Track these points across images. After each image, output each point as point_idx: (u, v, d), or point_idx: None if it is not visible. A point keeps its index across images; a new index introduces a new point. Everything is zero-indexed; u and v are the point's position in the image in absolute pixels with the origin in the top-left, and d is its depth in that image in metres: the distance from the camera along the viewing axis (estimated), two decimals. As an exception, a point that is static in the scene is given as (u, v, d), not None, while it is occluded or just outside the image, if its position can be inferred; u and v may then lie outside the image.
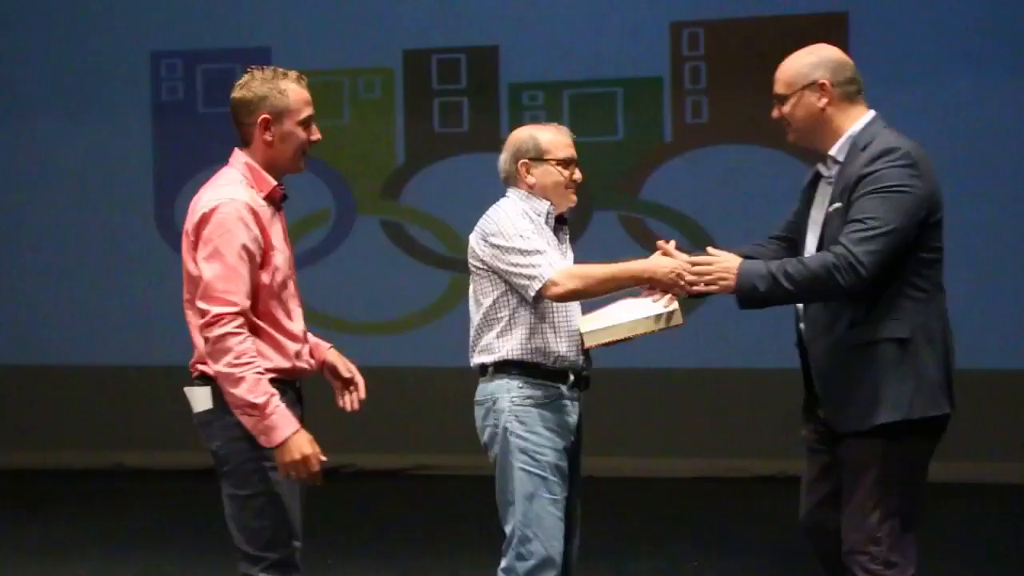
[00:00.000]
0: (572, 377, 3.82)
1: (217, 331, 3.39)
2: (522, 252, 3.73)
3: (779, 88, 3.60)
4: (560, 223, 3.95)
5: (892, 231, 3.38)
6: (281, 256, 3.53)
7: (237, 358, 3.38)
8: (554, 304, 3.79)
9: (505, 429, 3.78)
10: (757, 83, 7.48)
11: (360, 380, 3.76)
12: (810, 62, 3.58)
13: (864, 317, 3.44)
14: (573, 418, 3.84)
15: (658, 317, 3.69)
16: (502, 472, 3.80)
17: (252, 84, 3.55)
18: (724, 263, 3.53)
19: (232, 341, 3.39)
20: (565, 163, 3.87)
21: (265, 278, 3.48)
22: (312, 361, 3.66)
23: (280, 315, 3.52)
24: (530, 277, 3.71)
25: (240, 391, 3.37)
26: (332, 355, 3.78)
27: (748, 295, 3.46)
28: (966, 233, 7.31)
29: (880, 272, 3.38)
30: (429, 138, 7.97)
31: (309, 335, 3.71)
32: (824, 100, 3.54)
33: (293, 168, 3.61)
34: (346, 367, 3.77)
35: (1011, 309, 7.26)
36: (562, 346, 3.80)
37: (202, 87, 8.16)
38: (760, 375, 7.17)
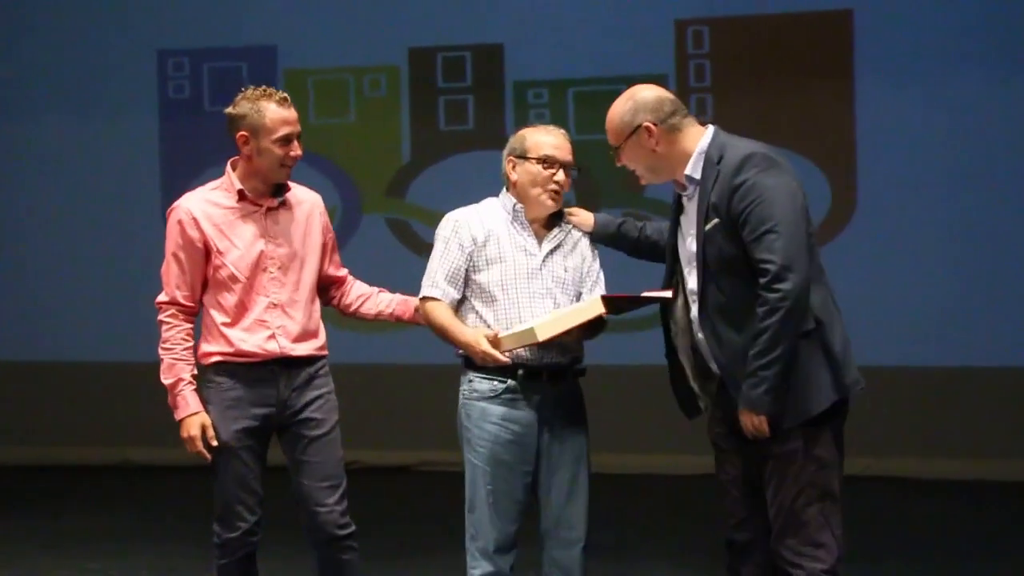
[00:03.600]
0: (521, 371, 3.84)
1: (158, 317, 4.02)
2: (435, 256, 3.94)
3: (610, 140, 3.68)
4: (553, 223, 3.95)
5: (792, 222, 3.45)
6: (236, 252, 3.92)
7: (162, 343, 4.00)
8: (499, 299, 3.87)
9: (459, 421, 3.95)
10: (762, 81, 7.60)
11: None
12: (629, 108, 3.65)
13: None
14: (526, 412, 3.85)
15: (520, 333, 3.73)
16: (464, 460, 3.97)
17: (239, 102, 3.93)
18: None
19: (162, 328, 4.01)
20: (546, 162, 3.88)
21: (210, 272, 3.95)
22: (283, 346, 3.97)
23: (225, 304, 3.95)
24: (424, 283, 3.95)
25: (161, 371, 3.99)
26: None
27: (777, 410, 3.46)
28: (971, 230, 7.34)
29: (810, 262, 3.46)
30: (435, 136, 7.99)
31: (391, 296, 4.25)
32: (653, 141, 3.61)
33: (274, 179, 3.97)
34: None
35: (1015, 306, 7.26)
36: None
37: (208, 85, 8.19)
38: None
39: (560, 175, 3.88)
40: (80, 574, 5.68)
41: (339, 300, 4.23)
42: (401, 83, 7.98)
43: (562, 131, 3.98)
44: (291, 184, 4.07)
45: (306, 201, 4.10)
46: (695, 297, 3.60)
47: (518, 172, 3.92)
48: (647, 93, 3.67)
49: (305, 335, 4.01)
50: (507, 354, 3.79)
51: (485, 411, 3.87)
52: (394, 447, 7.76)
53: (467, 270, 3.90)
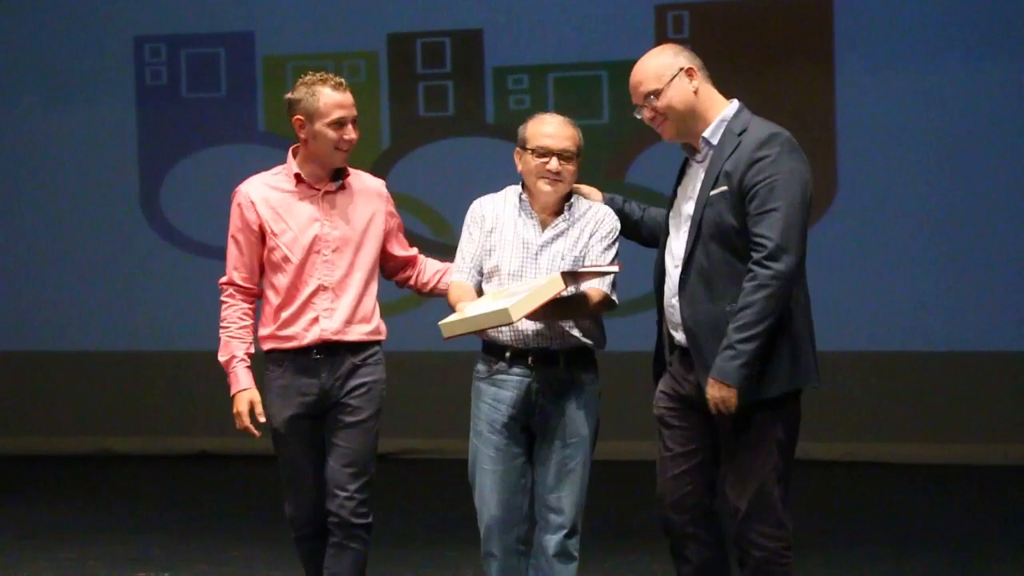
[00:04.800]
0: (508, 354, 3.91)
1: (220, 297, 4.12)
2: (460, 242, 4.05)
3: (649, 85, 3.70)
4: (562, 209, 3.97)
5: (798, 208, 3.53)
6: (290, 234, 4.02)
7: (221, 321, 4.09)
8: (497, 286, 3.94)
9: None
10: (742, 66, 7.58)
11: None
12: (671, 53, 3.73)
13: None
14: (514, 393, 3.92)
15: (490, 314, 3.74)
16: None
17: (297, 87, 4.06)
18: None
19: (221, 308, 4.10)
20: (539, 153, 3.91)
21: (265, 254, 4.05)
22: (325, 328, 4.03)
23: (278, 286, 4.04)
24: (453, 267, 4.10)
25: (218, 349, 4.08)
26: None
27: (744, 382, 3.50)
28: (951, 215, 7.36)
29: (805, 248, 3.53)
30: (414, 122, 7.95)
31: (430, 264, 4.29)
32: (695, 84, 3.69)
33: (331, 163, 4.07)
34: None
35: (999, 291, 7.28)
36: None
37: (186, 72, 8.13)
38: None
39: (554, 163, 3.90)
40: (58, 564, 5.64)
41: (415, 280, 4.30)
42: (380, 69, 7.94)
43: (560, 118, 3.99)
44: (356, 171, 4.18)
45: (368, 187, 4.19)
46: (679, 261, 3.64)
47: (522, 162, 3.98)
48: (680, 46, 3.77)
49: (355, 319, 4.06)
50: (506, 329, 3.86)
51: (480, 390, 3.98)
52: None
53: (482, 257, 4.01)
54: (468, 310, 3.82)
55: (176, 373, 7.87)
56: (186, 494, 7.15)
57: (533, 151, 3.92)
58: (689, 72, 3.67)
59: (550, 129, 3.94)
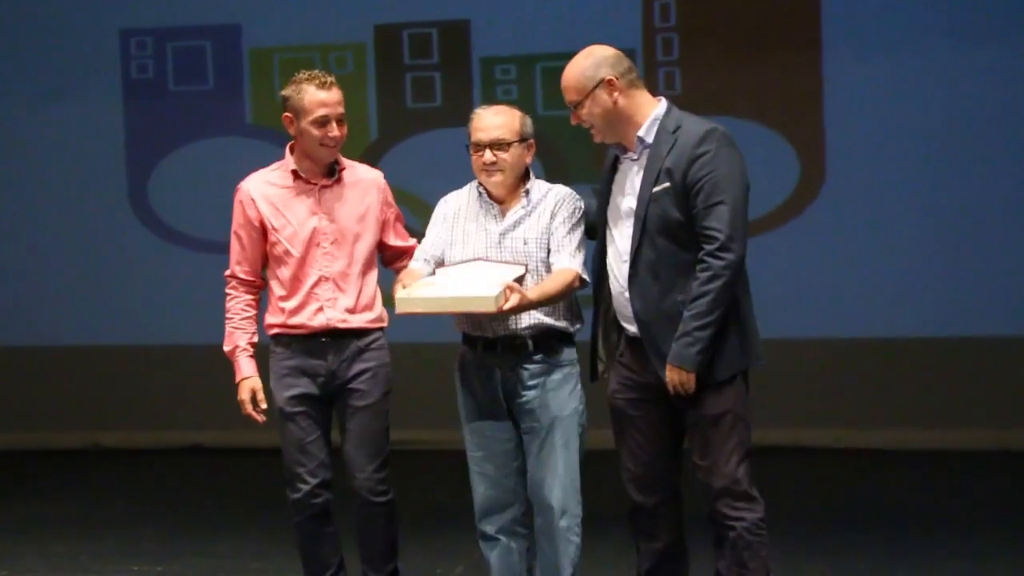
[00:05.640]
0: (480, 343, 4.01)
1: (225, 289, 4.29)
2: (426, 234, 4.16)
3: (571, 96, 3.80)
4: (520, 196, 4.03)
5: (742, 200, 3.68)
6: (290, 229, 4.16)
7: (225, 312, 4.26)
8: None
9: None
10: (730, 54, 7.59)
11: None
12: (591, 63, 3.78)
13: (692, 283, 3.66)
14: (489, 381, 4.00)
15: (473, 299, 3.80)
16: None
17: (288, 85, 4.19)
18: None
19: (226, 299, 4.28)
20: (475, 148, 4.00)
21: (268, 248, 4.20)
22: (330, 318, 4.16)
23: (282, 278, 4.19)
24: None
25: (223, 339, 4.25)
26: None
27: (701, 366, 3.65)
28: (940, 200, 7.37)
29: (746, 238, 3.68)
30: (402, 113, 7.95)
31: None
32: (615, 94, 3.74)
33: (319, 159, 4.20)
34: None
35: (991, 277, 7.29)
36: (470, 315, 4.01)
37: (172, 65, 8.10)
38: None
39: (488, 155, 3.98)
40: (50, 559, 5.64)
41: None
42: (367, 60, 7.93)
43: (493, 109, 4.06)
44: (351, 163, 4.31)
45: (364, 179, 4.31)
46: (626, 256, 3.74)
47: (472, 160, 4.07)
48: (606, 50, 3.81)
49: (357, 307, 4.20)
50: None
51: (460, 381, 4.07)
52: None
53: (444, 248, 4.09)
54: (424, 291, 3.87)
55: (166, 367, 7.86)
56: (178, 488, 7.15)
57: (470, 147, 4.01)
58: (609, 84, 3.73)
59: (480, 123, 4.03)
